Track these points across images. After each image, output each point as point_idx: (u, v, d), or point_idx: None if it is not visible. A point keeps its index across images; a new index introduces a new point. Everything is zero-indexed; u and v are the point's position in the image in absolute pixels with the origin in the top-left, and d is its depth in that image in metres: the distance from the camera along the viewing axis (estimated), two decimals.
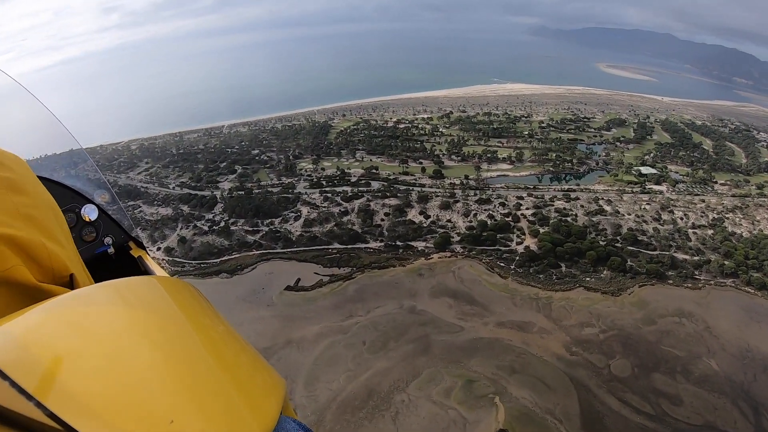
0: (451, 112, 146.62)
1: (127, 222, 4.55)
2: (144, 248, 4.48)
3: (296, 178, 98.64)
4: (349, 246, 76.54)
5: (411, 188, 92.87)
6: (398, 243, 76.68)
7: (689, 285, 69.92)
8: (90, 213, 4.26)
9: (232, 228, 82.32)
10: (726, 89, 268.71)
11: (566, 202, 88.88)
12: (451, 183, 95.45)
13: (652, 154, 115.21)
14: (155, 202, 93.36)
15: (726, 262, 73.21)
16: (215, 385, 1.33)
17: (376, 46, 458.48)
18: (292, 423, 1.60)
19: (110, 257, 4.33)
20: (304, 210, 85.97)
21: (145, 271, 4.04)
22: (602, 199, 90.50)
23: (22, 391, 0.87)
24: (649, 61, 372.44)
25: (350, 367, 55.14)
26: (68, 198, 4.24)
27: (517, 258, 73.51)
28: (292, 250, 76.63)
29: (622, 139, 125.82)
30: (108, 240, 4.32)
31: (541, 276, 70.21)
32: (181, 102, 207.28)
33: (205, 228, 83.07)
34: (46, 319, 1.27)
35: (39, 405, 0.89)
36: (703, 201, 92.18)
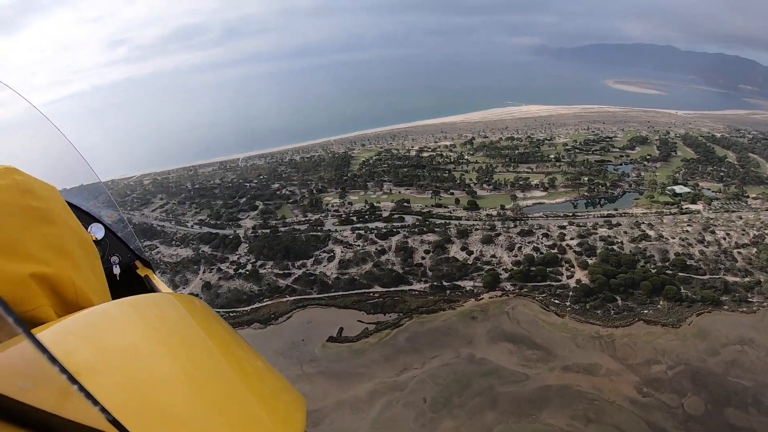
0: (473, 138, 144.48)
1: (135, 241, 4.40)
2: (151, 267, 4.25)
3: (323, 214, 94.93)
4: (392, 289, 72.52)
5: (447, 222, 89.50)
6: (444, 283, 72.94)
7: (744, 309, 68.22)
8: (96, 232, 4.10)
9: (261, 271, 78.21)
10: (734, 98, 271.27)
11: (609, 228, 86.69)
12: (488, 214, 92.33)
13: (681, 172, 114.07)
14: (173, 242, 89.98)
15: None
16: (240, 401, 1.37)
17: (384, 74, 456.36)
18: None
19: (117, 277, 4.09)
20: (338, 249, 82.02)
21: (151, 290, 3.82)
22: (644, 223, 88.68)
23: (89, 396, 0.88)
24: (654, 74, 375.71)
25: (414, 429, 51.05)
26: None
27: (572, 293, 70.56)
28: (330, 295, 72.45)
29: (648, 157, 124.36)
30: (114, 259, 4.11)
31: (598, 312, 67.38)
32: (192, 135, 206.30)
33: (231, 271, 79.10)
34: (62, 335, 1.30)
35: (104, 410, 0.90)
36: (741, 218, 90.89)
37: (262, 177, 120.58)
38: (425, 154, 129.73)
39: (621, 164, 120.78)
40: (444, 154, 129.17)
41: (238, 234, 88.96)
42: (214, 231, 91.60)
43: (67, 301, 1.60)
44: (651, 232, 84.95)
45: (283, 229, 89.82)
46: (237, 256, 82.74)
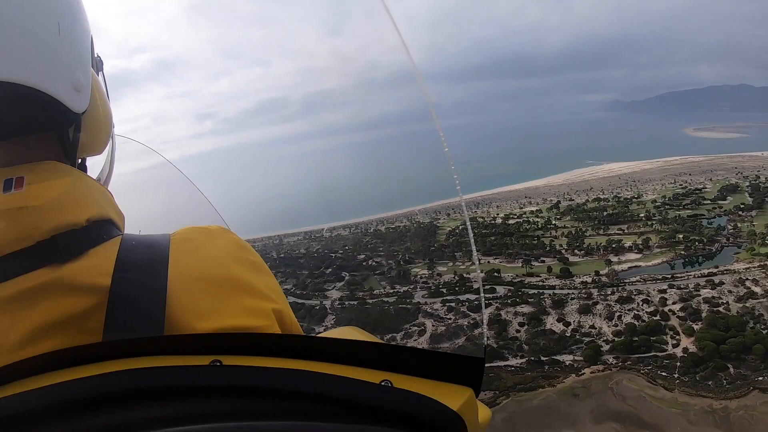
0: (559, 202, 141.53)
1: None
2: None
3: (412, 286, 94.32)
4: (486, 365, 69.31)
5: (541, 291, 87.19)
6: (542, 358, 70.52)
7: None
8: None
9: None
10: None
11: (712, 288, 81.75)
12: (582, 282, 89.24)
13: None
14: None
15: None
16: None
17: (461, 142, 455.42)
18: None
19: None
20: (428, 323, 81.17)
21: None
22: (748, 279, 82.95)
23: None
24: (732, 116, 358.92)
25: None
26: None
27: (679, 364, 66.83)
28: None
29: (742, 206, 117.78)
30: None
31: (709, 383, 63.31)
32: (276, 205, 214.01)
33: None
34: None
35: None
36: None
37: (347, 247, 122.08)
38: (511, 221, 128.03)
39: (714, 217, 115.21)
40: (531, 220, 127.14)
41: (324, 305, 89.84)
42: (300, 301, 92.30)
43: (287, 329, 1.84)
44: (757, 288, 79.67)
45: (370, 301, 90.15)
46: (323, 328, 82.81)
